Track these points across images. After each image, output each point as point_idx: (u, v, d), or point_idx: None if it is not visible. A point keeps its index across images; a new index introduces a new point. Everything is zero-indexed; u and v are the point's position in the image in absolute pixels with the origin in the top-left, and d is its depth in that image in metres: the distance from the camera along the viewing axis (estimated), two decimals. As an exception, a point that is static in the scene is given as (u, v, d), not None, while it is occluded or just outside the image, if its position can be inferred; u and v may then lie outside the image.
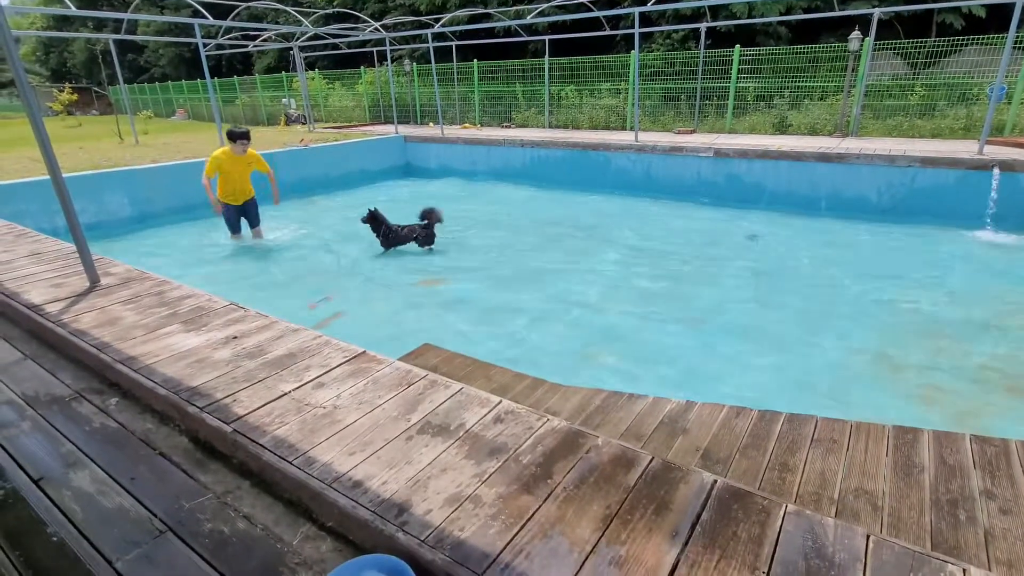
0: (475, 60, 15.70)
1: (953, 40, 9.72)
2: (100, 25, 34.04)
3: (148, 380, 2.33)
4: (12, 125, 27.18)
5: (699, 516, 1.54)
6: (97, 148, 12.06)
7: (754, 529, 1.49)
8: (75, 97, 29.67)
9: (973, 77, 9.73)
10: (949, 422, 3.24)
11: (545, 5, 12.74)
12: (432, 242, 6.76)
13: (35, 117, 3.16)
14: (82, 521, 1.74)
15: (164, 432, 2.18)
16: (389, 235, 6.62)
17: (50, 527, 1.72)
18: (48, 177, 3.33)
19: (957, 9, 11.51)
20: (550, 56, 14.11)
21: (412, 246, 6.76)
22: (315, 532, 1.67)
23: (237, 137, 6.38)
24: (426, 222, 6.68)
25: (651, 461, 1.77)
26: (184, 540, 1.64)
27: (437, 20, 13.75)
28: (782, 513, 1.54)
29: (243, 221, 6.89)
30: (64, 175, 3.36)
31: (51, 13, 30.90)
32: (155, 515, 1.75)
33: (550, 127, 14.29)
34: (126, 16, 9.73)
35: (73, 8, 9.06)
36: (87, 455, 2.06)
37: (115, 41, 12.81)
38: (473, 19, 15.65)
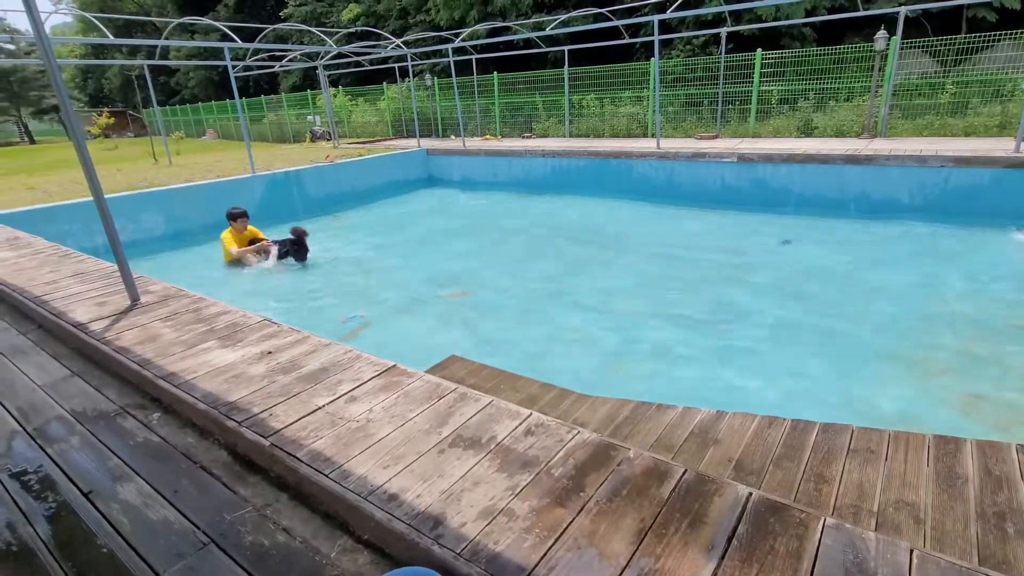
0: (495, 72, 15.87)
1: (985, 36, 9.47)
2: (134, 51, 35.48)
3: (188, 395, 2.41)
4: (53, 149, 28.42)
5: (735, 530, 1.53)
6: (134, 169, 12.52)
7: (792, 543, 1.47)
8: (111, 120, 30.88)
9: (1007, 73, 9.45)
10: (993, 431, 3.14)
11: (564, 16, 12.84)
12: (303, 256, 7.02)
13: (80, 144, 3.30)
14: (130, 533, 1.80)
15: (204, 446, 2.25)
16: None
17: (100, 539, 1.79)
18: (90, 199, 3.47)
19: (989, 3, 11.22)
20: (569, 66, 14.19)
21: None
22: (352, 545, 1.70)
23: (237, 217, 6.88)
24: (294, 238, 6.97)
25: (684, 473, 1.76)
26: (227, 552, 1.69)
27: (457, 35, 13.96)
28: (820, 526, 1.52)
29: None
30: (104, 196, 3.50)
31: (90, 43, 32.35)
32: (198, 527, 1.80)
33: (571, 136, 14.34)
34: (159, 43, 10.12)
35: (111, 37, 9.46)
36: (133, 469, 2.13)
37: (149, 66, 13.32)
38: (493, 33, 15.84)
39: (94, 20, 10.76)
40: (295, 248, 7.00)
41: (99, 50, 40.24)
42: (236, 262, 6.93)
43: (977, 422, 3.28)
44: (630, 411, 3.03)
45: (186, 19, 12.25)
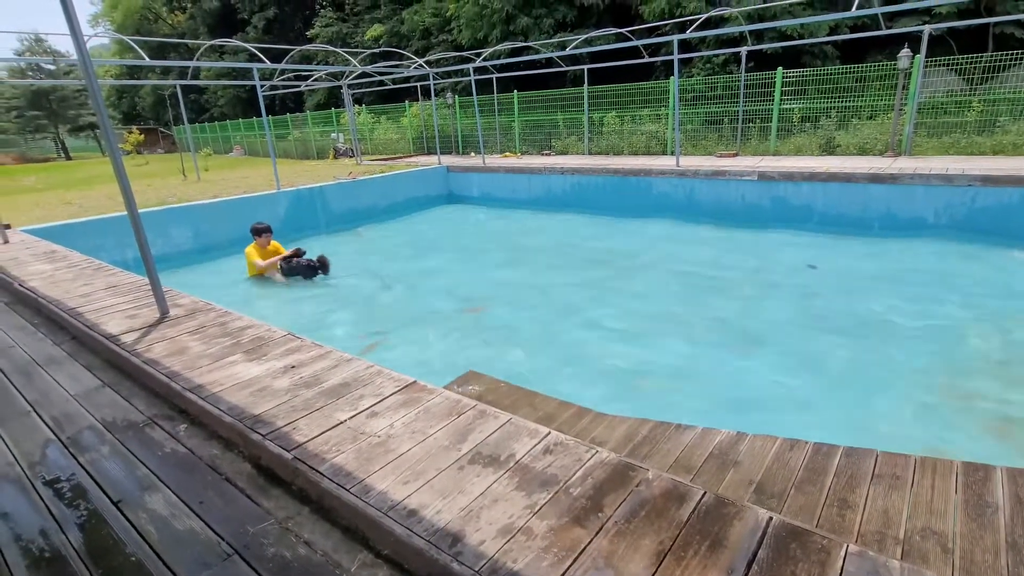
0: (515, 91, 16.07)
1: (1012, 54, 9.34)
2: (167, 71, 36.72)
3: (214, 408, 2.47)
4: (88, 164, 29.42)
5: (755, 554, 1.51)
6: (164, 185, 12.90)
7: (814, 569, 1.45)
8: (143, 138, 31.93)
9: (1036, 91, 9.29)
10: (1025, 458, 3.05)
11: (583, 37, 12.99)
12: (311, 276, 7.12)
13: (118, 162, 3.43)
14: (157, 542, 1.85)
15: (229, 458, 2.30)
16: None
17: (129, 547, 1.84)
18: (122, 213, 3.60)
19: (1017, 20, 11.07)
20: (589, 84, 14.30)
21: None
22: (372, 559, 1.72)
23: (261, 232, 7.06)
24: (316, 263, 7.09)
25: (703, 496, 1.75)
26: (250, 564, 1.72)
27: (479, 54, 14.20)
28: (843, 553, 1.50)
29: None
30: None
31: (128, 65, 33.69)
32: (223, 538, 1.84)
33: (590, 154, 14.41)
34: (191, 64, 10.49)
35: (147, 59, 9.84)
36: (160, 479, 2.19)
37: (181, 85, 13.78)
38: (514, 52, 16.07)
39: (131, 43, 11.20)
40: (310, 269, 7.09)
41: (134, 70, 41.76)
42: (259, 275, 7.08)
43: (1008, 449, 3.19)
44: (648, 431, 3.01)
45: (217, 41, 12.67)
